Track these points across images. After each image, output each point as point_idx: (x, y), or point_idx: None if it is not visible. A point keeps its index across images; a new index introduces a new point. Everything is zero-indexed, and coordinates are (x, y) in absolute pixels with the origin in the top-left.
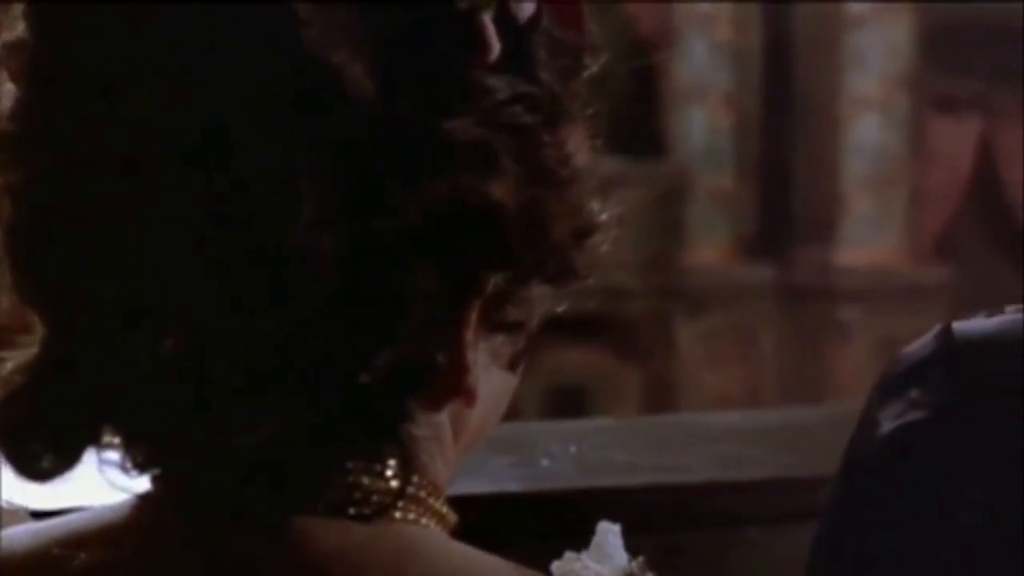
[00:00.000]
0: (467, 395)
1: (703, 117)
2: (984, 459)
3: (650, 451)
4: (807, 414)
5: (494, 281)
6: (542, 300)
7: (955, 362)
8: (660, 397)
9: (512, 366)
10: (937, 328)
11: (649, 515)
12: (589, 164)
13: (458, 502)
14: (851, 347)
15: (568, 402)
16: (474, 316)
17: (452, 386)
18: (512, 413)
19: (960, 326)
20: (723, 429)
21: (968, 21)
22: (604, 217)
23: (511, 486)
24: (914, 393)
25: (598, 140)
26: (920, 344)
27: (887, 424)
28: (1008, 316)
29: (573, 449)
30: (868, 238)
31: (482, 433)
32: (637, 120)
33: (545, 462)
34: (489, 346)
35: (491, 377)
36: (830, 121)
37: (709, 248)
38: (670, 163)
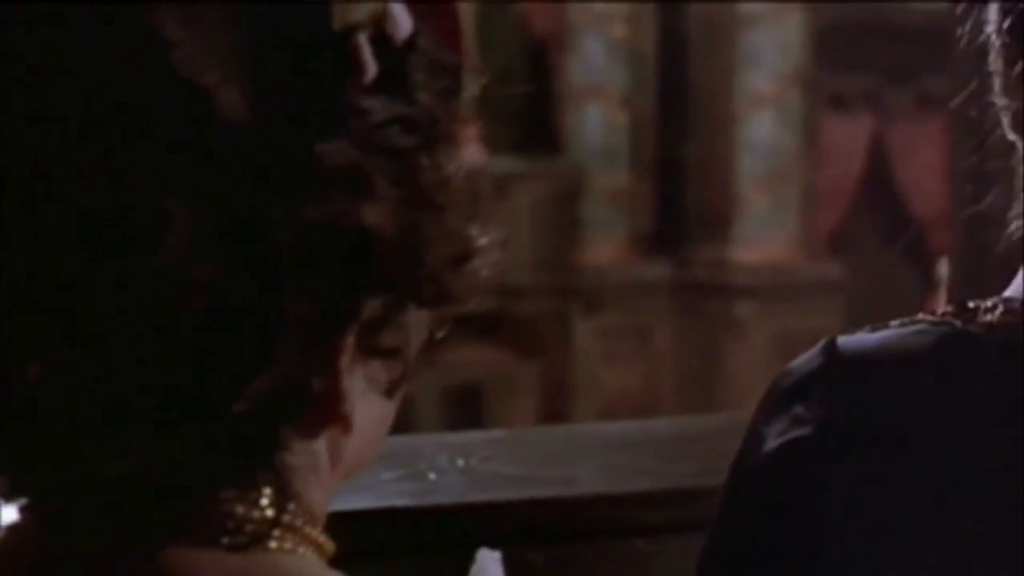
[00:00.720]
0: (343, 422)
1: (598, 115)
2: (866, 475)
3: (540, 463)
4: (700, 423)
5: (370, 306)
6: (420, 325)
7: (839, 378)
8: (558, 395)
9: (389, 393)
10: (823, 342)
11: (537, 529)
12: (469, 187)
13: (344, 518)
14: (747, 343)
15: (465, 401)
16: (350, 342)
17: (327, 413)
18: (409, 413)
19: (845, 340)
20: (615, 439)
21: (860, 19)
22: (484, 241)
23: (398, 501)
24: (799, 409)
25: (494, 139)
26: (806, 358)
27: (772, 440)
28: (892, 330)
29: (461, 462)
30: (763, 235)
31: (361, 460)
32: (533, 119)
33: (432, 476)
34: (366, 372)
35: (368, 404)
36: (725, 119)
37: (605, 246)
38: (566, 162)
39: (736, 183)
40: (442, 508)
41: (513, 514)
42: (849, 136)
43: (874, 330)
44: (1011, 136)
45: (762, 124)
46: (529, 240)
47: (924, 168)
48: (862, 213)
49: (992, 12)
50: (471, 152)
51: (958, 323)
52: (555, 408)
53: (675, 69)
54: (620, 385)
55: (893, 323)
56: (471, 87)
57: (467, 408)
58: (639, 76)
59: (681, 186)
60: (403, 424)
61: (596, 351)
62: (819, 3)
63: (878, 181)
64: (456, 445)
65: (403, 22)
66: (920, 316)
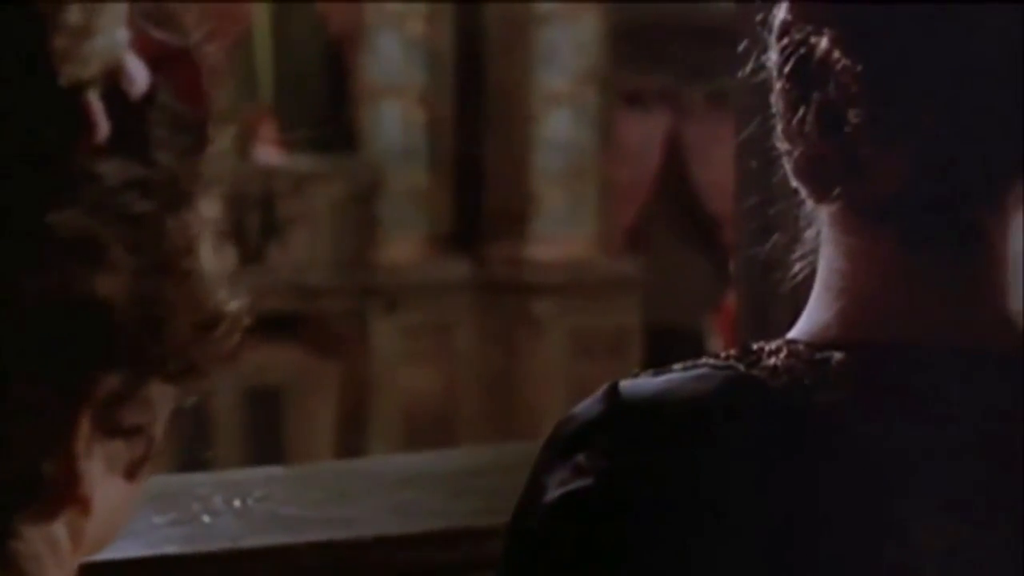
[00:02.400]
0: (81, 505)
1: (396, 114)
2: (648, 528)
3: (319, 503)
4: (489, 455)
5: (107, 383)
6: (166, 400)
7: (621, 426)
8: (357, 395)
9: (131, 475)
10: (605, 387)
11: (316, 574)
12: (217, 250)
13: (112, 568)
14: (545, 340)
15: (265, 402)
16: (86, 422)
17: (63, 497)
18: (208, 414)
19: (627, 386)
20: (399, 475)
21: (656, 19)
22: (234, 305)
23: (169, 548)
24: (580, 458)
25: (292, 138)
26: (588, 404)
27: (553, 491)
28: (675, 373)
29: (237, 503)
30: (560, 232)
31: (104, 541)
32: (330, 118)
33: (207, 519)
34: (106, 452)
35: (110, 484)
36: (522, 117)
37: (404, 244)
38: (364, 160)
39: (533, 181)
40: (216, 555)
41: (290, 559)
42: (645, 134)
43: (657, 374)
44: (793, 182)
45: (559, 122)
46: (327, 239)
47: (718, 165)
48: (658, 210)
49: (772, 53)
50: (267, 152)
51: (741, 367)
52: (354, 408)
53: (472, 68)
54: (420, 384)
55: (676, 366)
56: (220, 139)
57: (265, 409)
58: (436, 74)
59: (479, 184)
60: (201, 426)
61: (395, 350)
62: (615, 3)
63: (674, 177)
64: (232, 484)
65: (139, 76)
66: (703, 359)
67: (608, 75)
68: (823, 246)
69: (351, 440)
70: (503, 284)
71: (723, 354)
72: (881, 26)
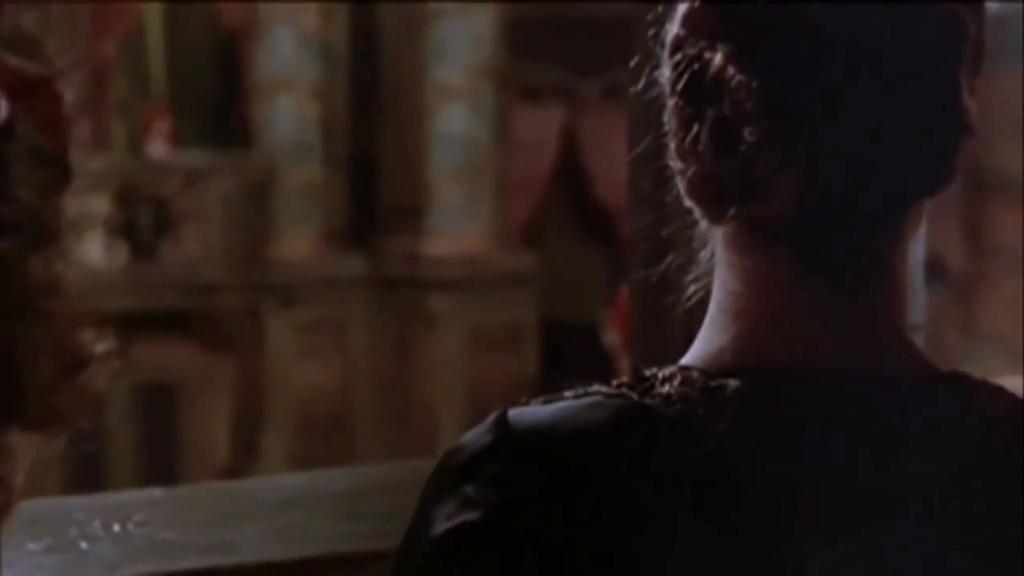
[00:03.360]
0: None
1: (290, 109)
2: (539, 563)
3: (203, 527)
4: (376, 474)
5: None
6: (27, 448)
7: (511, 456)
8: (252, 392)
9: None
10: (494, 416)
11: None
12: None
13: None
14: (441, 336)
15: (159, 399)
16: None
17: None
18: (98, 414)
19: (517, 414)
20: (283, 496)
21: (550, 13)
22: (101, 347)
23: None
24: (468, 490)
25: (185, 133)
26: (476, 433)
27: (440, 524)
28: (566, 401)
29: (116, 527)
30: (456, 227)
31: None
32: (223, 113)
33: (84, 545)
34: None
35: None
36: (416, 112)
37: (299, 240)
38: (257, 155)
39: (428, 176)
40: None
41: None
42: (540, 128)
43: (547, 401)
44: (687, 202)
45: (454, 117)
46: (221, 235)
47: (613, 159)
48: (553, 204)
49: (665, 68)
50: (160, 148)
51: (634, 395)
52: (250, 405)
53: (367, 62)
54: (315, 381)
55: (567, 393)
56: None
57: (159, 407)
58: (331, 69)
59: (374, 180)
60: (92, 426)
61: (290, 347)
62: (508, 1)
63: (569, 172)
64: (111, 507)
65: None
66: (595, 387)
67: (503, 69)
68: (717, 267)
69: (246, 437)
70: (398, 280)
71: (615, 382)
72: (776, 42)
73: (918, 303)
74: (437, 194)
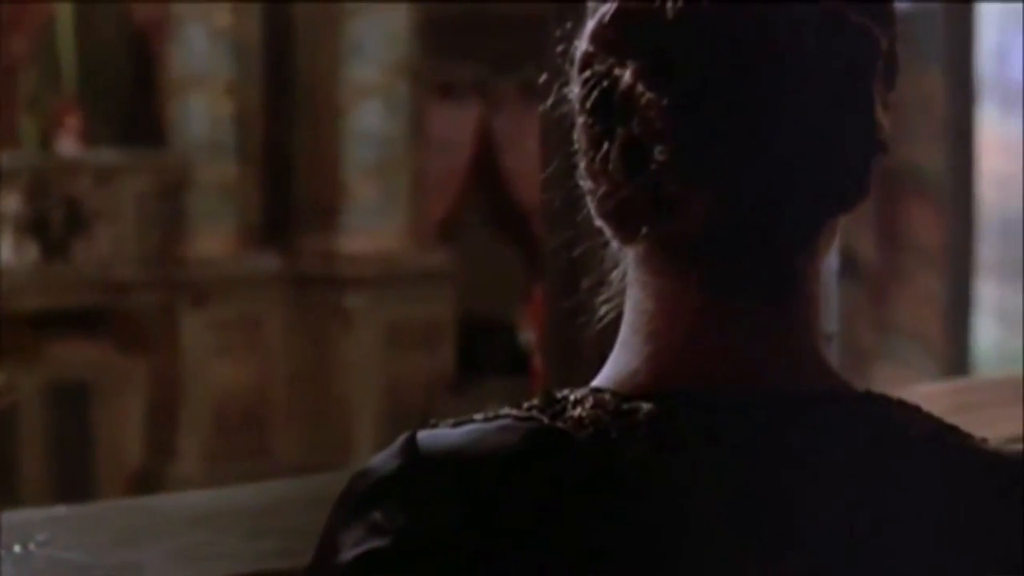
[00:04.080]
0: None
1: (203, 106)
2: None
3: (108, 546)
4: (288, 488)
5: None
6: None
7: (419, 481)
8: (167, 391)
9: None
10: (402, 439)
11: None
12: None
13: None
14: (357, 333)
15: (71, 398)
16: None
17: None
18: (10, 413)
19: (426, 437)
20: (193, 514)
21: (465, 10)
22: None
23: None
24: (376, 516)
25: (97, 131)
26: (384, 457)
27: (347, 551)
28: (476, 424)
29: (18, 547)
30: (372, 225)
31: None
32: (135, 111)
33: None
34: None
35: None
36: (331, 109)
37: (213, 238)
38: (170, 153)
39: (344, 173)
40: None
41: None
42: (456, 125)
43: (457, 424)
44: (597, 222)
45: (369, 114)
46: (134, 234)
47: (529, 155)
48: (469, 201)
49: (574, 85)
50: (71, 145)
51: (545, 418)
52: (164, 404)
53: (281, 59)
54: (230, 380)
55: (477, 416)
56: None
57: (72, 405)
58: (244, 66)
59: (289, 177)
60: (4, 426)
61: (205, 346)
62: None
63: (485, 169)
64: (11, 527)
65: None
66: (505, 410)
67: (418, 66)
68: (629, 287)
69: (161, 436)
70: (314, 277)
71: (526, 404)
72: (686, 59)
73: (831, 310)
74: (353, 191)
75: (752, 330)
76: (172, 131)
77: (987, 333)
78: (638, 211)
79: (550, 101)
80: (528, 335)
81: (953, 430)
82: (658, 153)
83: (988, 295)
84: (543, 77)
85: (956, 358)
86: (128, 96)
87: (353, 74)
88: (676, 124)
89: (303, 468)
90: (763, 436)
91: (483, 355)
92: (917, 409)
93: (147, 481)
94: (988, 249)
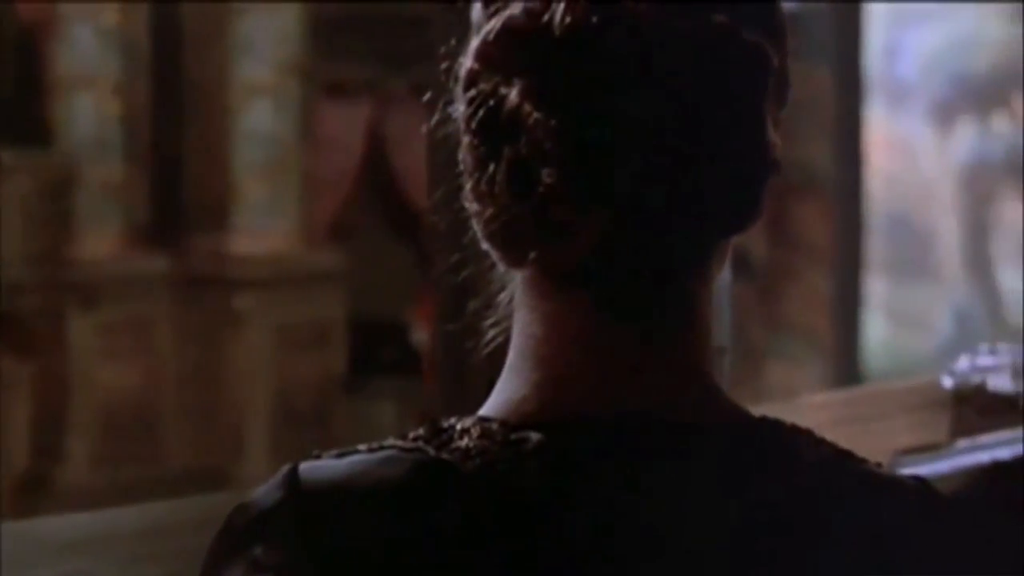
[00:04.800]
0: None
1: (89, 105)
2: None
3: None
4: (173, 511)
5: None
6: None
7: (301, 516)
8: (54, 395)
9: None
10: (284, 471)
11: None
12: None
13: None
14: (248, 335)
15: None
16: None
17: None
18: None
19: (308, 469)
20: (71, 539)
21: (356, 9)
22: None
23: None
24: (258, 551)
25: None
26: (265, 490)
27: None
28: (361, 455)
29: None
30: (262, 225)
31: None
32: (20, 110)
33: None
34: None
35: None
36: (221, 109)
37: (101, 239)
38: (56, 153)
39: (234, 174)
40: None
41: None
42: (347, 125)
43: (341, 455)
44: (484, 245)
45: (259, 114)
46: (20, 235)
47: (420, 155)
48: (361, 202)
49: (459, 104)
50: None
51: (431, 449)
52: (51, 408)
53: (169, 59)
54: (119, 383)
55: (361, 447)
56: None
57: None
58: (132, 66)
59: (178, 177)
60: None
61: (93, 348)
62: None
63: (377, 169)
64: None
65: None
66: (390, 441)
67: (309, 66)
68: (518, 311)
69: (48, 440)
70: (204, 278)
71: (412, 434)
72: (574, 78)
73: (724, 324)
74: (242, 192)
75: (644, 356)
76: (58, 131)
77: (876, 330)
78: (525, 235)
79: (435, 120)
80: (420, 335)
81: (848, 455)
82: (546, 176)
83: (877, 292)
84: (427, 96)
85: (846, 355)
86: (13, 96)
87: (242, 73)
88: (564, 146)
89: (194, 471)
90: (653, 467)
91: (375, 355)
92: (810, 434)
93: (34, 485)
94: (877, 246)
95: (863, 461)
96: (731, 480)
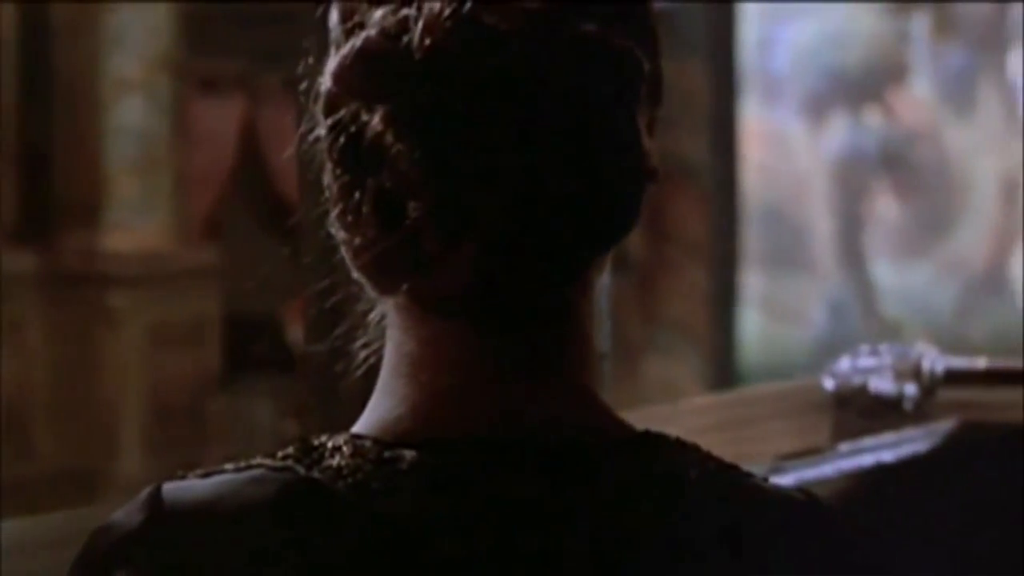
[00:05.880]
0: None
1: None
2: None
3: None
4: (21, 529)
5: None
6: None
7: (163, 540)
8: None
9: None
10: (146, 492)
11: None
12: None
13: None
14: (122, 333)
15: None
16: None
17: None
18: None
19: (171, 490)
20: None
21: (229, 4)
22: None
23: None
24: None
25: None
26: (126, 512)
27: None
28: (227, 475)
29: None
30: (135, 222)
31: None
32: None
33: None
34: None
35: None
36: (92, 104)
37: None
38: None
39: (105, 169)
40: None
41: None
42: (220, 120)
43: (206, 475)
44: (355, 274)
45: (130, 109)
46: None
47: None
48: (235, 197)
49: (321, 128)
50: None
51: (301, 468)
52: None
53: (37, 53)
54: None
55: (228, 466)
56: None
57: None
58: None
59: (47, 174)
60: None
61: None
62: None
63: (250, 164)
64: None
65: None
66: (258, 459)
67: (181, 61)
68: (390, 328)
69: None
70: (75, 276)
71: (281, 453)
72: (437, 102)
73: (605, 328)
74: (114, 188)
75: (523, 375)
76: None
77: (752, 323)
78: (396, 267)
79: (301, 133)
80: (296, 331)
81: (733, 469)
82: (412, 209)
83: (752, 285)
84: (297, 116)
85: (721, 349)
86: None
87: (113, 69)
88: (429, 177)
89: (68, 471)
90: (531, 487)
91: (251, 353)
92: (697, 450)
93: None
94: (752, 240)
95: (749, 476)
96: (613, 499)
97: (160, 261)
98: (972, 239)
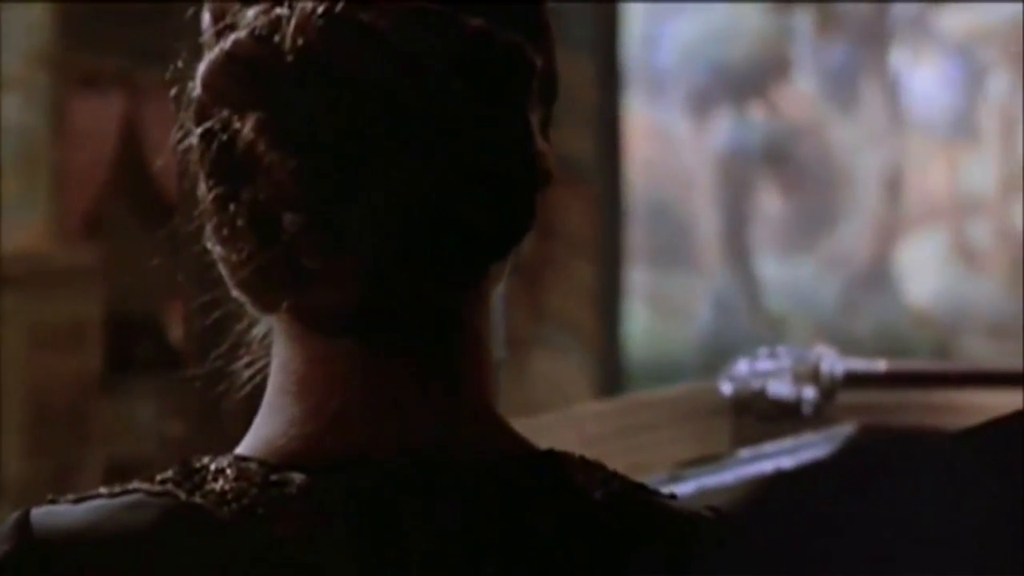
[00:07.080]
0: None
1: None
2: None
3: None
4: None
5: None
6: None
7: (32, 567)
8: None
9: None
10: (13, 518)
11: None
12: None
13: None
14: (4, 335)
15: None
16: None
17: None
18: None
19: (41, 516)
20: None
21: (109, 1)
22: None
23: None
24: None
25: None
26: None
27: None
28: (102, 500)
29: None
30: (13, 222)
31: None
32: None
33: None
34: None
35: None
36: None
37: None
38: None
39: None
40: None
41: None
42: (100, 117)
43: (79, 500)
44: (234, 292)
45: (9, 107)
46: None
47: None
48: (116, 196)
49: (192, 136)
50: None
51: (181, 493)
52: None
53: None
54: None
55: (103, 490)
56: None
57: None
58: None
59: None
60: None
61: None
62: None
63: (131, 162)
64: None
65: None
66: (136, 484)
67: (59, 57)
68: (276, 345)
69: None
70: None
71: (160, 476)
72: (311, 110)
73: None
74: None
75: (417, 392)
76: None
77: (638, 319)
78: (277, 283)
79: (173, 150)
80: (178, 331)
81: (640, 489)
82: (288, 223)
83: (638, 281)
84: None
85: (608, 345)
86: None
87: None
88: (306, 188)
89: None
90: (425, 508)
91: (133, 354)
92: (602, 468)
93: None
94: (637, 236)
95: (655, 494)
96: (513, 520)
97: (39, 260)
98: (855, 234)
